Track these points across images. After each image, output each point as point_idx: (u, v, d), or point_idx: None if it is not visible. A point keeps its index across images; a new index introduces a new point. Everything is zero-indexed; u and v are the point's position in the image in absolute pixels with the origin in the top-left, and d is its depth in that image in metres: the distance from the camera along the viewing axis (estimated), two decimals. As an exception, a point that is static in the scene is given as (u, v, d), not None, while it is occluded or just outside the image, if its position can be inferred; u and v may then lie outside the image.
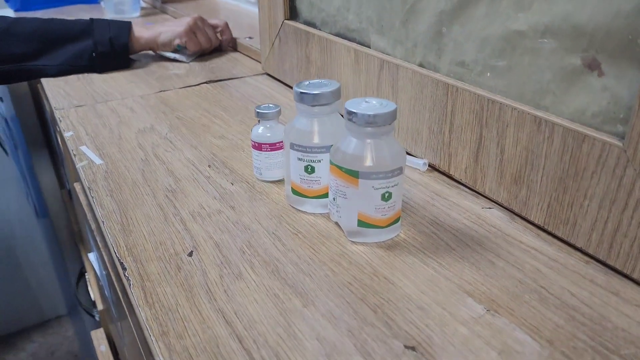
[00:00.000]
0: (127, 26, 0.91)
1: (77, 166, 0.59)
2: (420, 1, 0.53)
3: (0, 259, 1.94)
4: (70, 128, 0.69)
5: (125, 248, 0.44)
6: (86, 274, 1.15)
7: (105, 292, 0.70)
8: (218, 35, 1.00)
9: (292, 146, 0.47)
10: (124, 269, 0.41)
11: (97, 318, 1.10)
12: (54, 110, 0.75)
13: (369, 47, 0.62)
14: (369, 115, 0.40)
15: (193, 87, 0.82)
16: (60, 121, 0.71)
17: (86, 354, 1.99)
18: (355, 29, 0.64)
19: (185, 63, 0.94)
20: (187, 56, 0.96)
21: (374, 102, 0.42)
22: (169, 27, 0.94)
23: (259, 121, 0.53)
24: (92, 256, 0.77)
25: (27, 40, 0.86)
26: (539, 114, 0.42)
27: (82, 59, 0.88)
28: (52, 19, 0.90)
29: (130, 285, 0.40)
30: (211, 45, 0.98)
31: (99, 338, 0.90)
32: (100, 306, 0.94)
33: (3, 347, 2.18)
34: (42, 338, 2.23)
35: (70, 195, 1.07)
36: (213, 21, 1.00)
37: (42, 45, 0.87)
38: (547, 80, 0.43)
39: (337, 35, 0.67)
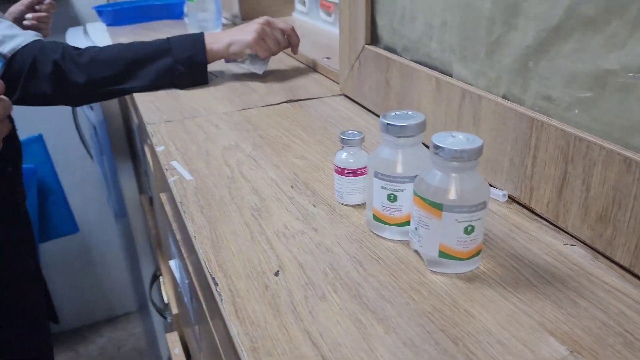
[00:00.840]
0: (201, 41, 0.95)
1: (169, 181, 0.63)
2: (507, 34, 0.54)
3: (77, 255, 2.07)
4: (162, 142, 0.73)
5: (216, 263, 0.47)
6: (161, 277, 1.21)
7: (185, 299, 0.74)
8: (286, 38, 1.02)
9: (376, 175, 0.48)
10: (216, 284, 0.44)
11: (168, 320, 1.15)
12: (146, 125, 0.80)
13: (450, 76, 0.63)
14: (456, 150, 0.41)
15: (274, 106, 0.85)
16: (153, 136, 0.76)
17: (151, 351, 2.07)
18: (437, 57, 0.65)
19: (263, 77, 0.98)
20: (261, 64, 0.99)
21: (461, 136, 0.43)
22: (238, 36, 0.96)
23: (342, 147, 0.55)
24: (172, 263, 0.81)
25: (113, 66, 0.92)
26: (629, 154, 0.42)
27: (165, 78, 0.94)
28: (132, 43, 0.96)
29: (222, 300, 0.42)
30: (280, 48, 1.00)
31: (173, 341, 0.95)
32: (174, 310, 0.99)
33: (75, 339, 2.31)
34: (111, 333, 2.35)
35: (151, 201, 1.13)
36: (280, 25, 1.01)
37: (127, 69, 0.93)
38: (638, 118, 0.42)
39: (418, 62, 0.69)
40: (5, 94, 0.64)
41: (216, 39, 0.97)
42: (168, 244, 0.86)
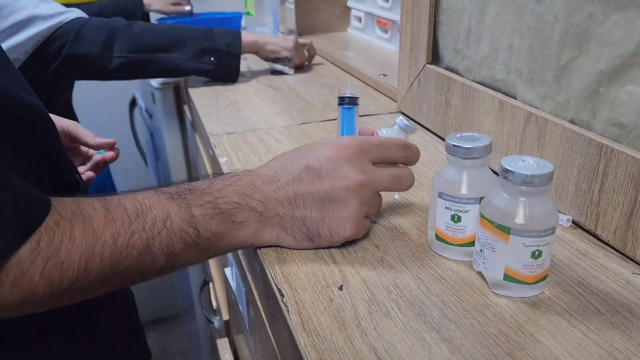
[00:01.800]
0: (239, 34, 1.12)
1: (232, 191, 0.65)
2: (577, 59, 0.54)
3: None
4: (224, 154, 0.76)
5: (281, 275, 0.48)
6: (210, 283, 1.24)
7: (240, 306, 0.76)
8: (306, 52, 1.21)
9: (441, 195, 0.49)
10: (282, 295, 0.46)
11: (216, 325, 1.18)
12: (209, 136, 0.83)
13: (514, 98, 0.63)
14: (527, 175, 0.41)
15: (332, 122, 0.87)
16: (215, 147, 0.78)
17: (193, 355, 2.11)
18: (501, 79, 0.65)
19: (321, 93, 1.00)
20: (290, 68, 1.15)
21: (531, 161, 0.43)
22: (276, 40, 1.15)
23: (393, 125, 0.62)
24: (227, 271, 0.83)
25: (160, 37, 1.07)
26: None
27: (203, 59, 1.07)
28: (177, 25, 1.15)
29: (288, 311, 0.44)
30: (306, 59, 1.21)
31: (223, 346, 0.97)
32: (225, 316, 1.01)
33: (120, 338, 2.37)
34: (156, 334, 2.40)
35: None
36: (302, 41, 1.20)
37: (172, 41, 1.07)
38: None
39: (481, 83, 0.69)
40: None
41: (252, 36, 1.14)
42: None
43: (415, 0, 0.80)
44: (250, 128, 0.85)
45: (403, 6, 0.84)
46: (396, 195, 0.62)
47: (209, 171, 0.93)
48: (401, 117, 0.62)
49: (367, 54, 1.25)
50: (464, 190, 0.48)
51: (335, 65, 1.23)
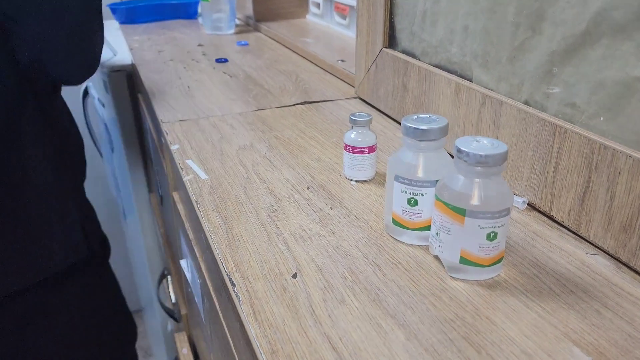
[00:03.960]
0: None
1: (184, 179, 0.63)
2: (531, 39, 0.53)
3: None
4: (176, 141, 0.73)
5: (233, 264, 0.46)
6: (169, 276, 1.21)
7: (196, 299, 0.74)
8: None
9: (397, 178, 0.48)
10: (233, 284, 0.44)
11: (179, 321, 1.15)
12: (161, 123, 0.80)
13: (470, 80, 0.63)
14: (481, 156, 0.41)
15: (289, 108, 0.85)
16: (167, 134, 0.76)
17: (157, 350, 2.07)
18: (457, 62, 0.65)
19: (277, 79, 0.98)
20: None
21: (485, 141, 0.43)
22: None
23: (352, 127, 0.60)
24: (183, 263, 0.81)
25: None
26: (657, 163, 0.41)
27: None
28: None
29: (240, 301, 0.42)
30: None
31: (181, 340, 0.95)
32: (183, 310, 0.99)
33: (79, 335, 2.30)
34: (116, 331, 2.33)
35: (161, 200, 1.12)
36: None
37: None
38: (668, 129, 0.42)
39: (437, 66, 0.68)
40: None
41: None
42: (179, 244, 0.86)
43: (371, -17, 0.78)
44: (203, 115, 0.82)
45: (359, -11, 0.82)
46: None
47: (163, 161, 0.90)
48: (354, 114, 0.60)
49: (325, 40, 1.24)
50: (420, 173, 0.47)
51: (293, 51, 1.21)
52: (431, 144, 0.47)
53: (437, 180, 0.46)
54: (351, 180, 0.62)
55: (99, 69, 1.30)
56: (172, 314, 1.12)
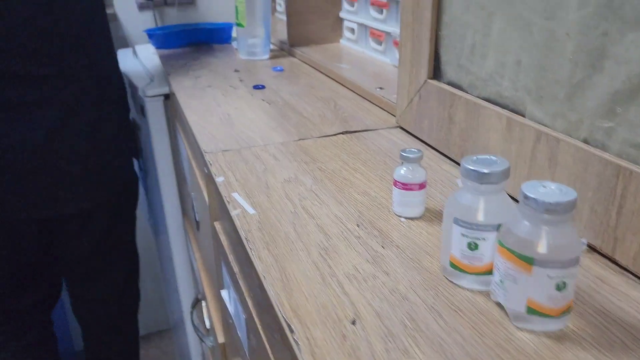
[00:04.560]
0: None
1: (231, 214, 0.63)
2: (591, 77, 0.52)
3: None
4: (221, 173, 0.73)
5: (289, 308, 0.46)
6: (203, 302, 1.21)
7: (239, 332, 0.73)
8: None
9: (456, 221, 0.47)
10: (292, 331, 0.43)
11: (208, 345, 1.14)
12: (204, 153, 0.80)
13: (523, 115, 0.61)
14: (550, 203, 0.39)
15: (330, 137, 0.85)
16: (211, 165, 0.76)
17: (183, 371, 2.06)
18: (509, 96, 0.64)
19: (317, 106, 0.98)
20: None
21: (553, 187, 0.41)
22: None
23: (402, 162, 0.59)
24: (224, 294, 0.80)
25: None
26: None
27: None
28: None
29: (300, 350, 0.41)
30: None
31: (219, 370, 0.94)
32: (220, 338, 0.98)
33: (107, 354, 2.31)
34: (144, 350, 2.34)
35: (198, 225, 1.13)
36: None
37: None
38: None
39: (487, 100, 0.67)
40: None
41: None
42: (220, 273, 0.86)
43: (415, 15, 0.78)
44: (246, 145, 0.82)
45: (403, 20, 0.82)
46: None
47: (204, 190, 0.90)
48: (404, 150, 0.59)
49: (361, 66, 1.23)
50: (480, 217, 0.46)
51: (329, 77, 1.21)
52: (492, 187, 0.46)
53: (499, 225, 0.45)
54: (401, 216, 0.61)
55: (137, 94, 1.33)
56: (206, 340, 1.11)
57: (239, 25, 1.40)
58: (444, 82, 0.76)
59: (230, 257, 0.73)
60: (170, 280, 1.61)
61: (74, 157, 1.13)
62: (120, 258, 1.38)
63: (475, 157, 0.47)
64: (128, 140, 1.32)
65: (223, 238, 0.78)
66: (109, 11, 1.85)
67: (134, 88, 1.39)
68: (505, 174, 0.45)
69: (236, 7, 1.39)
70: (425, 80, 0.78)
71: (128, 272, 1.44)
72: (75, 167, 1.14)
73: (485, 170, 0.45)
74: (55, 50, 1.07)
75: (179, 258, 1.45)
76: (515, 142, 0.61)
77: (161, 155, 1.34)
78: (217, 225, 0.83)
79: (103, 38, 1.20)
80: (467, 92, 0.71)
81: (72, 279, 1.37)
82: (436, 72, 0.77)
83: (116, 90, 1.25)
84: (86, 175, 1.16)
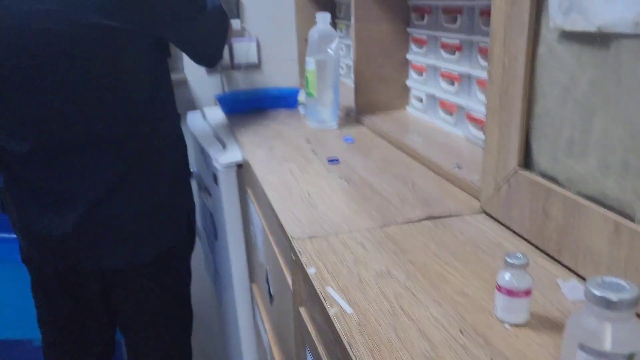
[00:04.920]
0: None
1: (329, 312, 0.62)
2: None
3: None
4: (311, 263, 0.73)
5: None
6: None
7: None
8: None
9: (582, 347, 0.45)
10: None
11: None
12: (292, 240, 0.81)
13: (632, 220, 0.59)
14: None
15: (415, 224, 0.84)
16: (301, 254, 0.76)
17: None
18: (615, 198, 0.62)
19: (392, 181, 0.98)
20: None
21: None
22: None
23: (506, 267, 0.58)
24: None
25: None
26: None
27: None
28: None
29: None
30: None
31: None
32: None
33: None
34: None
35: (271, 299, 1.13)
36: None
37: None
38: None
39: (588, 198, 0.66)
40: None
41: None
42: (303, 356, 0.85)
43: (503, 102, 0.78)
44: (332, 230, 0.83)
45: (489, 106, 0.82)
46: (506, 325, 0.59)
47: (288, 275, 0.90)
48: (509, 255, 0.59)
49: (433, 138, 1.23)
50: (609, 346, 0.44)
51: (401, 150, 1.22)
52: (621, 314, 0.44)
53: (631, 354, 0.43)
54: (504, 322, 0.59)
55: (210, 162, 1.37)
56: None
57: (308, 94, 1.44)
58: (537, 173, 0.74)
59: (320, 349, 0.72)
60: (233, 343, 1.61)
61: (130, 212, 1.17)
62: (173, 313, 1.38)
63: (600, 280, 0.46)
64: (185, 199, 1.35)
65: (310, 326, 0.78)
66: (179, 75, 1.94)
67: (206, 154, 1.43)
68: (636, 302, 0.44)
69: (306, 77, 1.42)
70: (515, 170, 0.77)
71: (180, 328, 1.44)
72: (131, 222, 1.18)
73: (614, 299, 0.43)
74: (119, 114, 1.11)
75: (244, 325, 1.46)
76: (624, 249, 0.59)
77: (232, 223, 1.36)
78: (303, 312, 0.82)
79: (166, 102, 1.25)
80: (565, 187, 0.69)
81: (126, 333, 1.39)
82: (527, 161, 0.77)
83: (176, 151, 1.30)
84: (141, 231, 1.20)
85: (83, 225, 1.14)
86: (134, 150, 1.14)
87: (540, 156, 0.74)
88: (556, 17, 0.64)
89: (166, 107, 1.24)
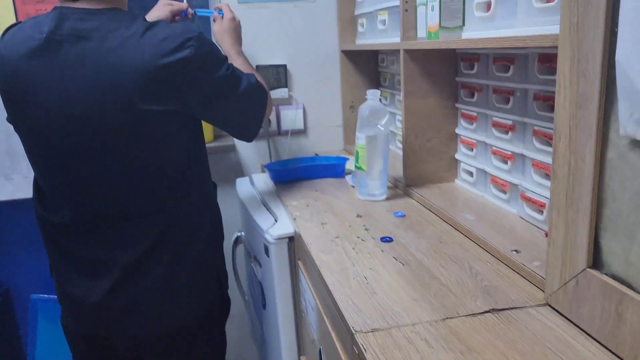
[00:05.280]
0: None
1: (401, 421, 0.62)
2: None
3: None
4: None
5: None
6: None
7: None
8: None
9: None
10: None
11: None
12: (354, 333, 0.81)
13: None
14: None
15: (478, 317, 0.83)
16: (365, 350, 0.76)
17: None
18: (697, 312, 0.60)
19: (446, 265, 0.97)
20: None
21: None
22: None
23: None
24: None
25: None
26: None
27: None
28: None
29: None
30: None
31: None
32: None
33: None
34: None
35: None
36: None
37: None
38: None
39: (666, 307, 0.64)
40: None
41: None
42: None
43: (570, 200, 0.78)
44: (394, 322, 0.83)
45: (553, 201, 0.82)
46: None
47: (348, 363, 0.90)
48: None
49: (485, 215, 1.23)
50: None
51: (454, 228, 1.21)
52: None
53: None
54: None
55: (261, 233, 1.39)
56: None
57: (358, 168, 1.46)
58: (608, 275, 0.73)
59: None
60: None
61: (162, 280, 1.18)
62: None
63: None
64: (217, 265, 1.35)
65: None
66: (227, 142, 2.00)
67: (255, 225, 1.45)
68: None
69: (356, 152, 1.45)
70: (584, 269, 0.76)
71: None
72: (163, 289, 1.19)
73: None
74: (152, 188, 1.14)
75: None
76: None
77: (282, 295, 1.37)
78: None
79: (200, 173, 1.26)
80: (639, 292, 0.68)
81: None
82: (597, 261, 0.76)
83: (209, 220, 1.30)
84: (173, 298, 1.21)
85: (115, 292, 1.17)
86: (166, 221, 1.17)
87: (612, 258, 0.73)
88: (627, 126, 0.65)
89: (200, 177, 1.26)
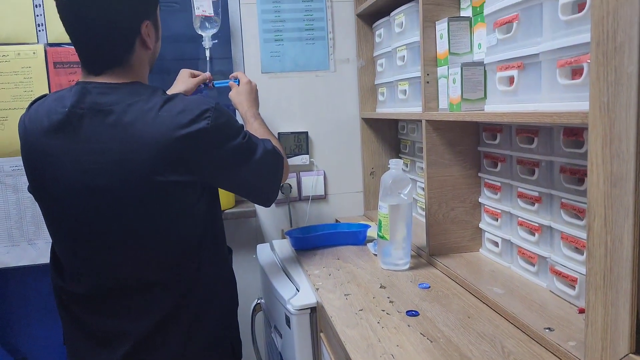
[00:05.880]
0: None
1: None
2: None
3: None
4: None
5: None
6: None
7: None
8: None
9: None
10: None
11: None
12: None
13: None
14: None
15: (515, 403, 0.79)
16: None
17: None
18: None
19: (480, 342, 0.93)
20: None
21: None
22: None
23: None
24: None
25: None
26: None
27: None
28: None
29: None
30: None
31: None
32: None
33: None
34: None
35: None
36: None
37: None
38: None
39: None
40: None
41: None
42: None
43: (608, 280, 0.75)
44: (425, 408, 0.79)
45: (590, 282, 0.79)
46: None
47: None
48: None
49: (513, 289, 1.20)
50: None
51: (482, 301, 1.18)
52: None
53: None
54: None
55: (283, 303, 1.36)
56: None
57: (382, 237, 1.44)
58: (653, 362, 0.70)
59: None
60: None
61: (175, 349, 1.16)
62: None
63: None
64: (231, 333, 1.32)
65: None
66: (248, 207, 2.00)
67: (277, 294, 1.43)
68: None
69: (379, 221, 1.44)
70: (627, 354, 0.73)
71: None
72: (177, 358, 1.17)
73: None
74: (168, 259, 1.13)
75: None
76: None
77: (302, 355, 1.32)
78: None
79: (215, 240, 1.25)
80: (689, 384, 0.65)
81: None
82: (639, 347, 0.72)
83: (224, 288, 1.29)
84: None
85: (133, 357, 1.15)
86: (181, 291, 1.16)
87: (655, 343, 0.70)
88: (667, 208, 0.64)
89: (216, 244, 1.25)
